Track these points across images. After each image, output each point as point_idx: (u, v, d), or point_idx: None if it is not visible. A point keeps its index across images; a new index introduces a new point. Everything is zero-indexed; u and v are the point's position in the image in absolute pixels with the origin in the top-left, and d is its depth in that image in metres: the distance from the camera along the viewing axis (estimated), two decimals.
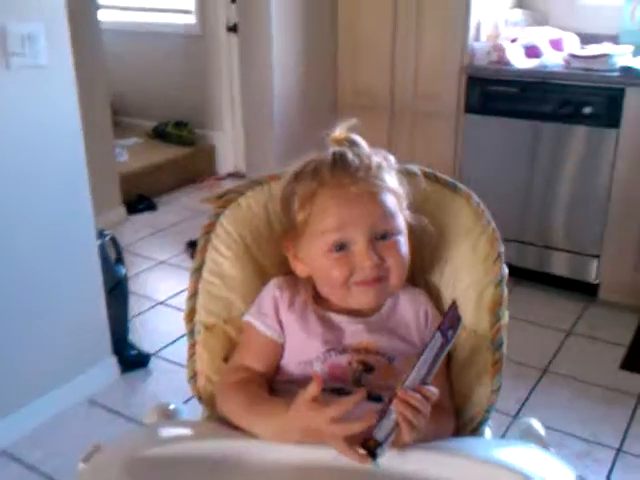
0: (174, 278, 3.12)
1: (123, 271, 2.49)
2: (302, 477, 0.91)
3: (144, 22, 4.78)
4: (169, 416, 1.13)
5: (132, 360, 2.47)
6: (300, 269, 1.10)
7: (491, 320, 1.11)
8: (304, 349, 1.05)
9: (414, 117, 3.16)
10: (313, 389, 0.90)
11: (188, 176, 4.29)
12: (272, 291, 1.10)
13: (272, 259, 1.17)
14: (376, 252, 1.02)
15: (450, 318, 0.94)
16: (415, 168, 1.16)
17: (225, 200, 1.17)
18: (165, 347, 2.58)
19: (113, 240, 2.48)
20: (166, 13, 4.73)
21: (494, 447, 1.03)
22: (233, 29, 3.86)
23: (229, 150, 4.40)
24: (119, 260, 2.50)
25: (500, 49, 2.92)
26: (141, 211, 3.89)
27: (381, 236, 1.03)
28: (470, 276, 1.13)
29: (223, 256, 1.15)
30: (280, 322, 1.08)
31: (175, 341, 2.57)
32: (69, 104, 2.07)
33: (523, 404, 2.23)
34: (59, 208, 2.11)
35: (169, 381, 2.38)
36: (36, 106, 1.98)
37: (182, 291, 2.91)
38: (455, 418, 1.09)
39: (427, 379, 0.91)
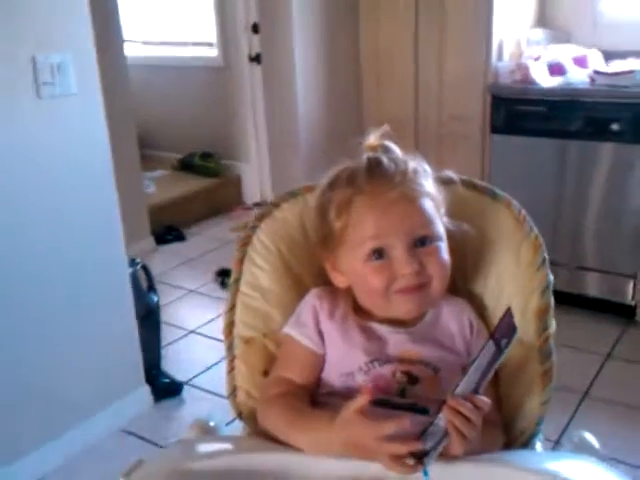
0: (204, 307, 3.12)
1: (155, 299, 2.50)
2: None
3: (167, 56, 4.87)
4: (209, 433, 1.11)
5: (165, 389, 2.45)
6: (339, 280, 1.08)
7: (538, 329, 1.08)
8: (345, 360, 1.03)
9: (440, 140, 3.16)
10: (361, 401, 0.88)
11: (215, 207, 4.32)
12: (312, 301, 1.08)
13: (309, 271, 1.15)
14: (416, 258, 0.99)
15: (504, 326, 0.90)
16: (451, 174, 1.15)
17: (261, 213, 1.17)
18: (198, 375, 2.56)
19: (145, 269, 2.49)
20: (188, 46, 4.81)
21: (547, 459, 1.01)
22: (256, 59, 3.90)
23: (255, 180, 4.43)
24: (151, 288, 2.51)
25: (524, 68, 2.91)
26: (170, 242, 3.91)
27: (420, 242, 1.01)
28: (514, 284, 1.10)
29: (260, 269, 1.14)
30: (320, 333, 1.06)
31: (208, 369, 2.56)
32: (99, 131, 2.10)
33: (564, 430, 2.17)
34: (91, 237, 2.12)
35: (202, 409, 2.36)
36: (67, 134, 2.01)
37: (213, 319, 2.91)
38: (504, 432, 1.06)
39: (478, 389, 0.88)
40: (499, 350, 0.88)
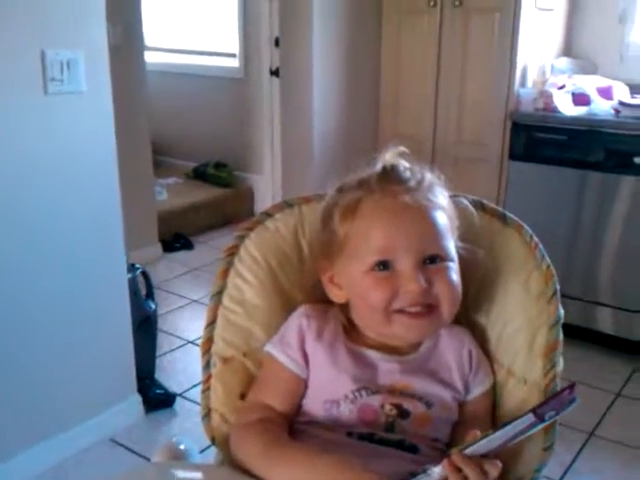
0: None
1: (153, 307, 2.44)
2: None
3: (188, 64, 4.85)
4: (179, 457, 1.03)
5: (157, 399, 2.39)
6: (335, 294, 0.99)
7: (544, 367, 0.98)
8: (331, 386, 0.94)
9: (456, 162, 3.10)
10: None
11: (226, 217, 4.27)
12: (298, 320, 0.99)
13: (300, 288, 1.07)
14: (424, 275, 0.90)
15: (557, 401, 0.79)
16: (465, 201, 1.07)
17: (252, 222, 1.09)
18: (192, 387, 2.49)
19: (144, 274, 2.43)
20: (210, 56, 4.80)
21: None
22: (276, 73, 3.87)
23: (267, 193, 4.38)
24: (149, 295, 2.45)
25: (547, 96, 2.85)
26: (177, 249, 3.87)
27: (430, 259, 0.92)
28: (521, 317, 1.01)
29: (246, 282, 1.05)
30: (305, 354, 0.97)
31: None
32: (106, 131, 2.06)
33: (568, 469, 2.08)
34: (90, 238, 2.07)
35: (194, 423, 2.26)
36: (72, 132, 1.97)
37: None
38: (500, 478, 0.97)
39: (494, 453, 0.78)
40: (540, 421, 0.78)
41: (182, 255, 3.84)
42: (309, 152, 3.47)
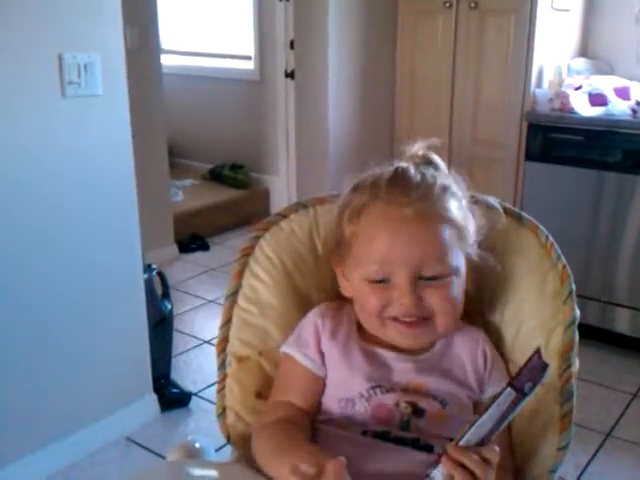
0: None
1: (169, 307, 2.45)
2: None
3: (204, 67, 4.87)
4: (194, 455, 1.03)
5: (173, 399, 2.40)
6: (345, 287, 1.01)
7: (560, 367, 0.98)
8: (346, 385, 0.94)
9: (471, 162, 3.09)
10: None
11: (242, 218, 4.28)
12: (314, 319, 1.00)
13: (315, 287, 1.08)
14: (417, 292, 0.91)
15: (530, 369, 0.78)
16: (493, 201, 1.06)
17: (266, 223, 1.09)
18: (208, 387, 2.51)
19: (160, 275, 2.45)
20: (226, 59, 4.82)
21: None
22: (291, 75, 3.88)
23: (283, 194, 4.39)
24: (165, 295, 2.46)
25: (564, 96, 2.83)
26: (193, 250, 3.89)
27: (429, 277, 0.92)
28: (536, 317, 1.01)
29: (261, 282, 1.06)
30: (321, 353, 0.98)
31: None
32: (122, 134, 2.07)
33: (583, 470, 2.07)
34: (107, 239, 2.09)
35: (210, 422, 2.29)
36: (89, 135, 1.99)
37: None
38: (515, 478, 0.96)
39: (489, 438, 0.78)
40: (521, 395, 0.78)
41: (198, 256, 3.86)
42: (324, 153, 3.48)
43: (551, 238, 1.05)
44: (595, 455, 2.16)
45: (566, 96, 2.82)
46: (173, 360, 2.54)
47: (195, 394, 2.47)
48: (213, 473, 0.89)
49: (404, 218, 0.91)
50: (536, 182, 2.88)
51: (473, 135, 3.08)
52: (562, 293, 1.00)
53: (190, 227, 3.98)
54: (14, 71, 1.79)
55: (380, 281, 0.92)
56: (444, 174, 0.98)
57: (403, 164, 0.97)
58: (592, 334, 2.82)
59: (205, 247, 3.96)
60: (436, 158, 1.00)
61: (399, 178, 0.95)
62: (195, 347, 2.83)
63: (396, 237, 0.91)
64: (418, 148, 1.00)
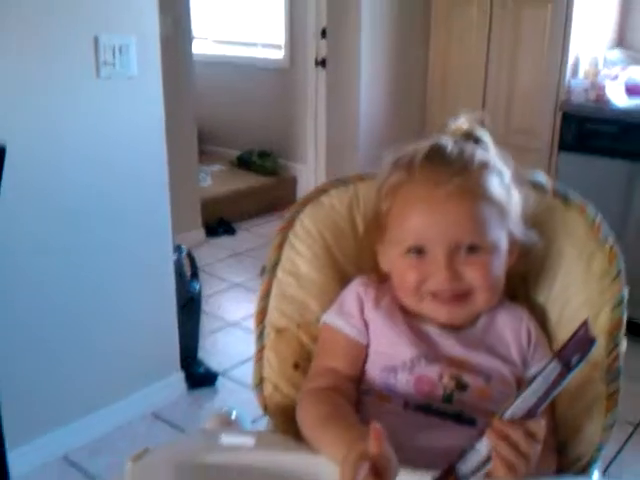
0: (247, 300, 3.09)
1: (197, 287, 2.47)
2: None
3: (235, 55, 4.88)
4: (230, 425, 1.04)
5: (200, 377, 2.42)
6: (385, 263, 1.00)
7: (608, 346, 0.95)
8: (390, 352, 0.94)
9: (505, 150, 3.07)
10: (372, 449, 0.72)
11: (268, 205, 4.29)
12: (356, 288, 1.00)
13: (354, 262, 1.07)
14: (454, 267, 0.90)
15: (577, 342, 0.76)
16: (542, 178, 1.04)
17: (306, 198, 1.09)
18: (234, 367, 2.52)
19: (190, 256, 2.46)
20: (257, 47, 4.82)
21: None
22: (322, 64, 3.87)
23: (310, 181, 4.38)
24: (194, 276, 2.48)
25: (599, 87, 2.80)
26: (220, 235, 3.91)
27: (469, 249, 0.91)
28: (583, 296, 0.99)
29: (301, 255, 1.06)
30: (365, 321, 0.97)
31: (244, 362, 2.52)
32: (155, 115, 2.09)
33: (612, 460, 2.05)
34: (138, 218, 2.11)
35: (235, 401, 2.31)
36: (123, 115, 2.00)
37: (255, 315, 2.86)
38: (558, 456, 0.95)
39: (535, 412, 0.76)
40: (568, 369, 0.76)
41: (225, 240, 3.87)
42: (354, 142, 3.47)
43: (600, 217, 1.03)
44: (624, 446, 2.15)
45: (602, 87, 2.79)
46: (200, 341, 2.55)
47: (221, 374, 2.48)
48: (250, 441, 0.90)
49: (439, 197, 0.90)
50: (569, 172, 2.84)
51: (506, 124, 3.06)
52: (610, 272, 0.98)
53: (217, 212, 4.00)
54: (51, 52, 1.81)
55: (417, 253, 0.92)
56: (486, 149, 0.96)
57: (441, 139, 0.96)
58: None
59: (231, 232, 3.97)
60: (480, 132, 0.98)
61: (435, 155, 0.93)
62: (221, 329, 2.84)
63: (431, 216, 0.91)
64: (462, 122, 0.99)
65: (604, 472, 1.95)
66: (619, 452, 2.11)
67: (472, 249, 0.91)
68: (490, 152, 0.97)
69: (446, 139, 0.96)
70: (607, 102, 2.76)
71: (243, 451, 0.89)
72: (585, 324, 0.77)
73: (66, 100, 1.86)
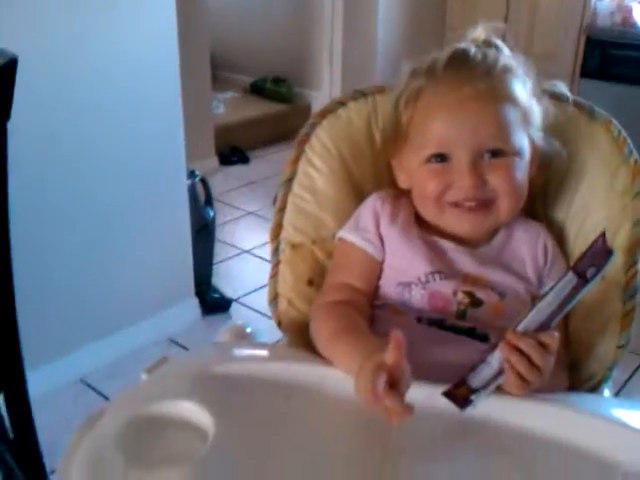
0: (261, 229, 3.08)
1: (211, 214, 2.46)
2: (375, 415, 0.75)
3: None
4: (245, 339, 1.04)
5: (214, 303, 2.43)
6: (403, 179, 0.98)
7: (626, 263, 0.93)
8: (405, 268, 0.92)
9: None
10: (390, 358, 0.71)
11: (282, 133, 4.22)
12: (373, 204, 0.98)
13: (371, 178, 1.05)
14: (478, 171, 0.88)
15: (594, 253, 0.74)
16: (564, 89, 1.01)
17: (324, 110, 1.06)
18: (247, 294, 2.53)
19: (204, 182, 2.44)
20: None
21: (618, 406, 0.88)
22: None
23: None
24: (208, 202, 2.46)
25: (626, 10, 2.71)
26: (234, 163, 3.86)
27: (492, 153, 0.88)
28: (603, 211, 0.96)
29: (317, 170, 1.03)
30: (380, 237, 0.95)
31: (257, 289, 2.52)
32: (168, 37, 2.03)
33: (622, 387, 2.06)
34: (152, 140, 2.08)
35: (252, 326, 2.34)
36: (134, 37, 1.94)
37: (268, 242, 2.85)
38: (570, 373, 0.94)
39: (549, 325, 0.75)
40: (584, 281, 0.74)
41: (238, 168, 3.84)
42: (371, 68, 3.39)
43: (624, 132, 1.00)
44: (634, 374, 2.16)
45: (629, 9, 2.69)
46: (214, 268, 2.56)
47: (235, 300, 2.49)
48: (264, 353, 0.89)
49: (463, 97, 0.88)
50: (590, 99, 2.76)
51: (527, 46, 2.96)
52: (633, 189, 0.96)
53: (231, 140, 3.95)
54: None
55: (440, 160, 0.89)
56: (508, 56, 0.93)
57: (462, 44, 0.93)
58: None
59: (245, 160, 3.93)
60: (499, 42, 0.95)
61: (458, 58, 0.91)
62: (235, 256, 2.85)
63: (455, 116, 0.88)
64: (480, 32, 0.95)
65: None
66: (627, 381, 2.12)
67: (496, 154, 0.89)
68: (512, 59, 0.93)
69: (468, 44, 0.93)
70: (633, 26, 2.67)
71: (259, 362, 0.89)
72: (602, 236, 0.75)
73: (78, 17, 1.80)
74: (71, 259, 1.98)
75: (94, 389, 2.03)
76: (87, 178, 1.95)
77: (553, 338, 0.75)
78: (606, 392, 1.00)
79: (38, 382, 1.83)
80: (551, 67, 2.85)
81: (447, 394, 0.74)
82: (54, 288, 1.96)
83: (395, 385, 0.70)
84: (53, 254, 1.93)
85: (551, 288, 0.75)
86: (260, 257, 2.78)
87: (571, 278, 0.74)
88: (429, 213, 0.95)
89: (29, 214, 1.84)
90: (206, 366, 0.86)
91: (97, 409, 0.79)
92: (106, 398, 1.99)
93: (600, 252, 0.75)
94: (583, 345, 0.96)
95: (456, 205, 0.90)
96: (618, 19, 2.72)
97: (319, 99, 4.34)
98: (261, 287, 2.50)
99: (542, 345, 0.74)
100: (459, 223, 0.92)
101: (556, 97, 1.00)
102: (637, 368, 2.18)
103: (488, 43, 0.94)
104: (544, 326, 0.75)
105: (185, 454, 0.71)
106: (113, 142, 1.98)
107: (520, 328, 0.75)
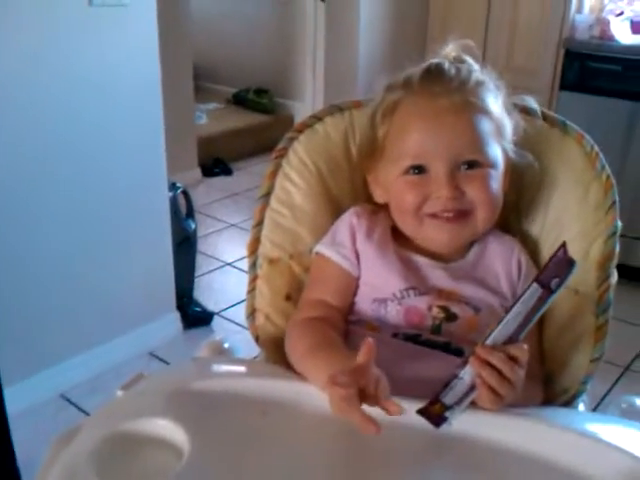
0: (244, 241, 3.02)
1: (193, 226, 2.45)
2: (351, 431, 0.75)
3: None
4: (223, 354, 1.04)
5: (195, 317, 2.43)
6: (379, 194, 0.99)
7: (599, 277, 0.95)
8: (380, 285, 0.93)
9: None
10: (361, 358, 0.73)
11: (265, 144, 4.20)
12: (349, 219, 0.98)
13: (348, 193, 1.05)
14: (456, 182, 0.88)
15: (556, 264, 0.75)
16: (532, 102, 1.02)
17: (300, 124, 1.06)
18: (229, 307, 2.53)
19: (185, 194, 2.43)
20: None
21: (590, 420, 0.90)
22: None
23: None
24: (190, 215, 2.46)
25: (604, 23, 2.74)
26: (216, 174, 3.87)
27: (468, 165, 0.89)
28: (577, 226, 0.97)
29: (294, 185, 1.04)
30: (356, 253, 0.96)
31: (240, 302, 2.51)
32: (149, 46, 2.03)
33: (601, 400, 2.07)
34: (133, 154, 2.07)
35: (231, 341, 2.31)
36: (116, 45, 1.94)
37: None
38: (544, 387, 0.95)
39: (517, 337, 0.76)
40: (549, 292, 0.75)
41: (221, 180, 3.84)
42: (353, 79, 3.40)
43: (597, 147, 1.01)
44: (613, 387, 2.17)
45: (607, 23, 2.72)
46: (196, 281, 2.55)
47: (217, 313, 2.48)
48: (241, 369, 0.89)
49: (439, 109, 0.89)
50: (569, 112, 2.76)
51: (507, 60, 3.00)
52: (605, 204, 0.97)
53: (213, 151, 3.95)
54: None
55: (417, 172, 0.90)
56: (479, 71, 0.95)
57: (437, 59, 0.95)
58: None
59: (228, 172, 3.93)
60: (470, 59, 0.96)
61: (433, 71, 0.92)
62: (217, 269, 2.84)
63: (431, 128, 0.89)
64: (451, 49, 0.97)
65: (593, 411, 1.97)
66: (607, 394, 2.13)
67: (472, 165, 0.90)
68: (483, 73, 0.95)
69: (442, 59, 0.94)
70: (611, 39, 2.70)
71: (236, 378, 0.89)
72: (563, 246, 0.76)
73: (58, 28, 1.80)
74: (51, 272, 1.97)
75: (74, 405, 2.02)
76: (67, 190, 1.94)
77: (522, 351, 0.75)
78: (581, 406, 1.01)
79: (18, 397, 1.82)
80: (531, 80, 2.91)
81: (422, 412, 0.74)
82: (33, 302, 1.94)
83: (367, 395, 0.70)
84: (32, 267, 1.92)
85: (517, 300, 0.76)
86: (242, 270, 2.75)
87: (536, 289, 0.75)
88: (407, 226, 0.95)
89: (8, 226, 1.83)
90: (182, 383, 0.85)
91: (74, 425, 0.79)
92: (87, 414, 1.97)
93: (562, 263, 0.76)
94: (557, 359, 0.97)
95: (434, 216, 0.90)
96: (596, 32, 2.75)
97: (302, 110, 4.35)
98: (243, 300, 2.43)
99: (512, 358, 0.75)
100: (438, 234, 0.92)
101: (526, 111, 1.01)
102: (617, 380, 2.19)
103: (459, 59, 0.95)
104: (513, 339, 0.76)
105: (160, 471, 0.71)
106: (93, 153, 1.97)
107: (489, 342, 0.76)
